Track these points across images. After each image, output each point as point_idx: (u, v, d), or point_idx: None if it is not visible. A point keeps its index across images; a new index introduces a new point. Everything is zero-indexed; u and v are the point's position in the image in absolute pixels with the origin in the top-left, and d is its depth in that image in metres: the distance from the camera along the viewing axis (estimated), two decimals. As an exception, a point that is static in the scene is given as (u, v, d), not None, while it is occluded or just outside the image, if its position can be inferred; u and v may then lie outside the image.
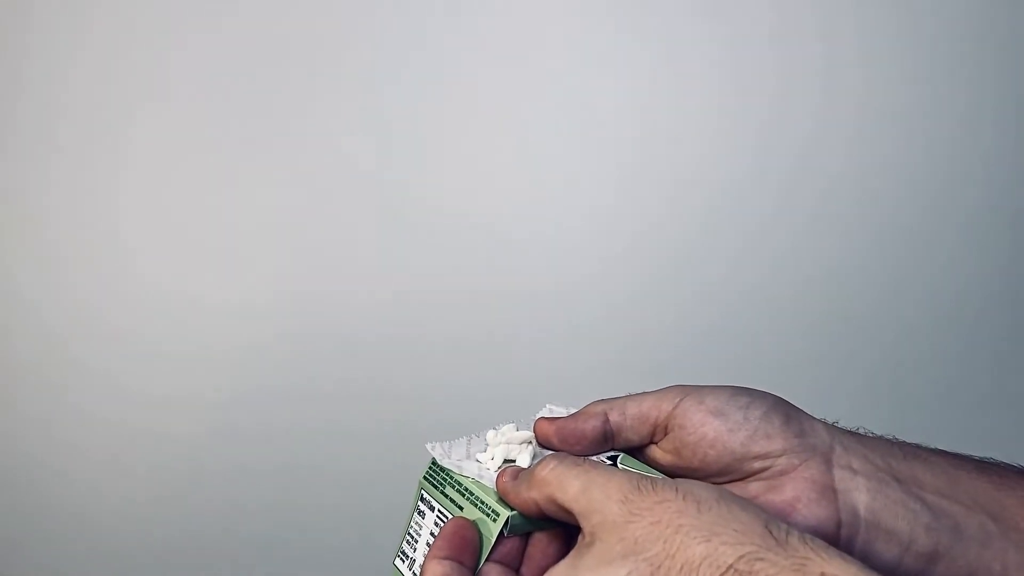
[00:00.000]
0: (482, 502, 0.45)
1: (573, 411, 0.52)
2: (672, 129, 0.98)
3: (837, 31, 0.97)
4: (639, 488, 0.39)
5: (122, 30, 0.95)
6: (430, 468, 0.48)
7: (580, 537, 0.41)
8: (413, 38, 0.96)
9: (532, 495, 0.43)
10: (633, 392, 0.49)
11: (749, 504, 0.39)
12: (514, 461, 0.48)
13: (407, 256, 0.98)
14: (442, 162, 0.98)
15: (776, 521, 0.38)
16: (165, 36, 0.95)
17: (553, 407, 0.52)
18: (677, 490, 0.39)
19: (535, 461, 0.48)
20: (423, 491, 0.48)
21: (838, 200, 1.00)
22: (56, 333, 0.98)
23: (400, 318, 0.99)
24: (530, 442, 0.48)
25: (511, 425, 0.49)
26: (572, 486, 0.41)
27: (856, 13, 0.97)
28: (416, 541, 0.47)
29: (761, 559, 0.35)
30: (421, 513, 0.47)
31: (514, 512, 0.44)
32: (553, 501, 0.42)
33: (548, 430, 0.49)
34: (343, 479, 1.00)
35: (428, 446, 0.48)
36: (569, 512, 0.41)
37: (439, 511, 0.46)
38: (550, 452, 0.49)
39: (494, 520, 0.44)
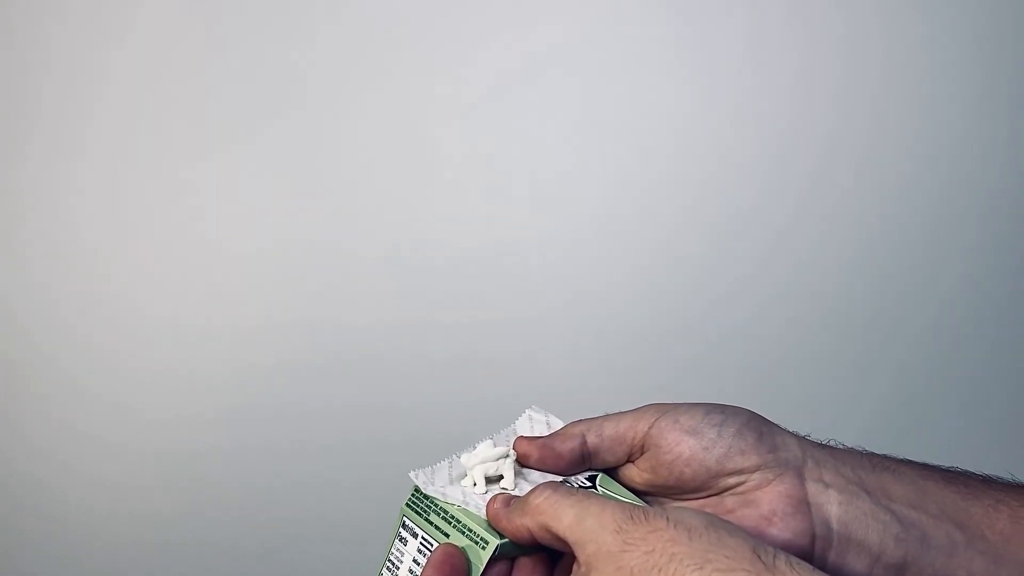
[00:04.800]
0: (469, 529, 0.46)
1: (553, 418, 0.53)
2: (676, 136, 0.99)
3: (854, 36, 0.98)
4: (632, 518, 0.40)
5: (119, 30, 0.94)
6: (413, 495, 0.48)
7: (575, 566, 0.42)
8: (417, 54, 0.96)
9: (525, 522, 0.44)
10: (611, 411, 0.50)
11: (736, 528, 0.40)
12: (499, 478, 0.48)
13: (404, 272, 0.99)
14: (441, 176, 0.98)
15: (763, 545, 0.39)
16: (163, 38, 0.94)
17: (533, 413, 0.53)
18: (668, 519, 0.40)
19: (519, 479, 0.48)
20: (405, 518, 0.48)
21: (850, 210, 1.00)
22: (51, 353, 0.98)
23: (394, 335, 0.99)
24: (507, 455, 0.49)
25: (487, 442, 0.50)
26: (566, 515, 0.42)
27: (876, 16, 0.97)
28: (397, 568, 0.48)
29: None
30: (403, 540, 0.48)
31: (504, 540, 0.45)
32: (547, 529, 0.43)
33: (527, 449, 0.50)
34: (337, 496, 1.00)
35: (411, 474, 0.48)
36: (563, 541, 0.42)
37: (423, 538, 0.47)
38: (529, 468, 0.50)
39: (483, 548, 0.45)
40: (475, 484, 0.48)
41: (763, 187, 1.00)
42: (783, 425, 0.50)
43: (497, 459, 0.48)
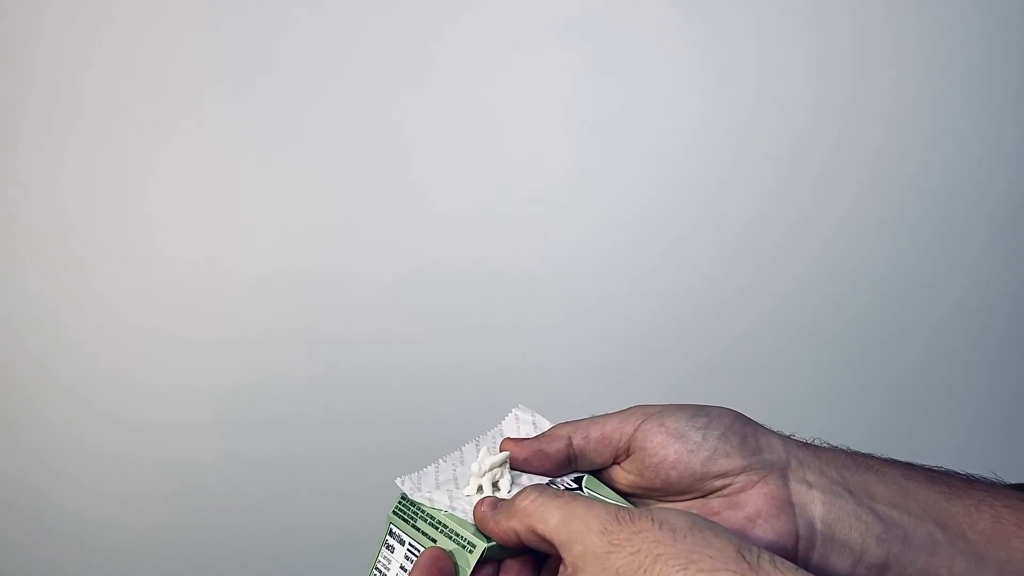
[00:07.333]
0: (456, 534, 0.46)
1: (540, 417, 0.53)
2: (681, 141, 0.99)
3: (865, 37, 0.97)
4: (617, 519, 0.41)
5: (119, 31, 0.93)
6: (400, 503, 0.48)
7: (561, 568, 0.42)
8: (418, 43, 0.95)
9: (512, 524, 0.44)
10: (596, 414, 0.51)
11: (720, 529, 0.41)
12: (495, 486, 0.49)
13: (400, 282, 0.99)
14: (441, 176, 0.98)
15: (747, 545, 0.40)
16: (164, 40, 0.94)
17: (519, 412, 0.53)
18: (653, 520, 0.40)
19: (513, 490, 0.49)
20: (392, 525, 0.48)
21: (856, 212, 1.00)
22: (48, 363, 0.98)
23: (390, 345, 0.99)
24: (506, 462, 0.49)
25: (484, 450, 0.50)
26: (552, 517, 0.42)
27: (886, 18, 0.96)
28: None
29: None
30: (390, 547, 0.48)
31: (491, 544, 0.45)
32: (533, 531, 0.43)
33: (514, 451, 0.50)
34: (334, 505, 1.01)
35: (397, 481, 0.48)
36: (549, 542, 0.43)
37: (410, 545, 0.47)
38: (516, 469, 0.51)
39: (470, 552, 0.45)
40: (479, 489, 0.48)
41: (769, 192, 1.00)
42: (775, 428, 0.50)
43: (501, 465, 0.49)
